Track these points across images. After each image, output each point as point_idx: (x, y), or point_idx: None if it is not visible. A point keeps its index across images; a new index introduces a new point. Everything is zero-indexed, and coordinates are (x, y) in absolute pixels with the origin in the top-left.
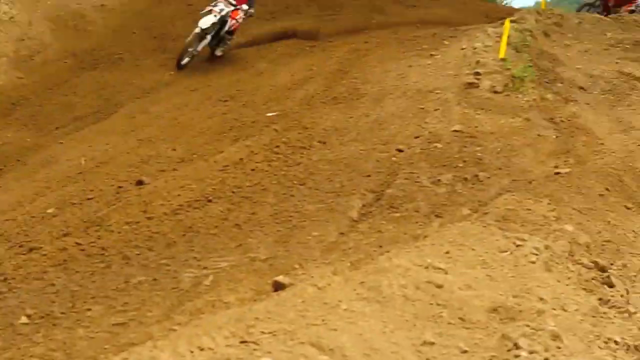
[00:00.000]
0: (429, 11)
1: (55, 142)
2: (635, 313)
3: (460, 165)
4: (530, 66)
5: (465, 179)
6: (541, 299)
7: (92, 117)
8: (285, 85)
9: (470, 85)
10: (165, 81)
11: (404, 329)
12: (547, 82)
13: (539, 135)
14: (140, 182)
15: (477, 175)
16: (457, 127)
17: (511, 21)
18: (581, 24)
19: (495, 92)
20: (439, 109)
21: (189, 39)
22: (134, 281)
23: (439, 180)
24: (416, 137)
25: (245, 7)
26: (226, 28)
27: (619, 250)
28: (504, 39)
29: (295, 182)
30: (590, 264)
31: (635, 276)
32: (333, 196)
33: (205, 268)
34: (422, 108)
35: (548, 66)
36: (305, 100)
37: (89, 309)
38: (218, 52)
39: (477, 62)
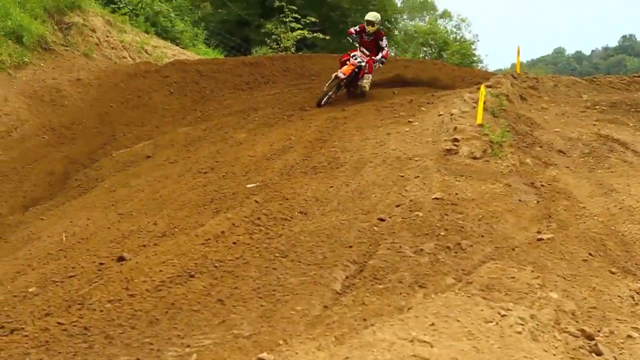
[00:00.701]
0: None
1: (37, 218)
2: None
3: (443, 233)
4: (508, 131)
5: (448, 247)
6: None
7: (72, 191)
8: (265, 155)
9: (449, 151)
10: (145, 153)
11: None
12: (525, 146)
13: (520, 200)
14: (121, 258)
15: (459, 244)
16: (437, 195)
17: (487, 86)
18: (557, 86)
19: (475, 158)
20: (419, 177)
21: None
22: None
23: (421, 249)
24: (397, 206)
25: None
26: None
27: (605, 316)
28: (481, 104)
29: (277, 254)
30: (577, 332)
31: (623, 343)
32: (316, 268)
33: (188, 346)
34: (402, 176)
35: (526, 130)
36: (285, 170)
37: None
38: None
39: (455, 128)
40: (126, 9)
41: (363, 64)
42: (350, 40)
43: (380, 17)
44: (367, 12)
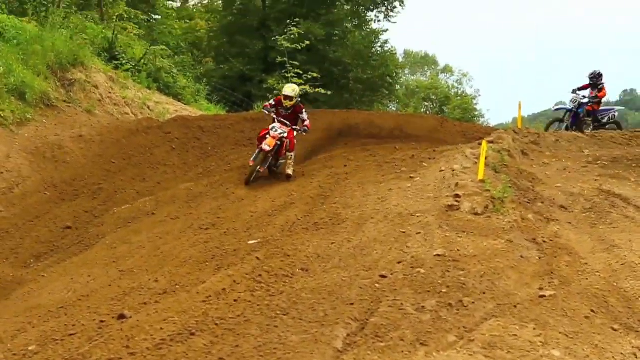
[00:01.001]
0: (406, 132)
1: (37, 275)
2: None
3: (444, 290)
4: (509, 186)
5: (450, 304)
6: None
7: (74, 248)
8: (266, 211)
9: (451, 207)
10: (146, 210)
11: None
12: (527, 202)
13: (522, 256)
14: (122, 316)
15: (461, 301)
16: (439, 251)
17: (488, 141)
18: (558, 141)
19: (476, 214)
20: (420, 233)
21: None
22: None
23: (423, 307)
24: (399, 263)
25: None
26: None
27: None
28: (482, 160)
29: (278, 312)
30: None
31: None
32: (317, 326)
33: None
34: (404, 232)
35: (528, 186)
36: (287, 227)
37: None
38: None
39: (457, 184)
40: (129, 65)
41: (285, 134)
42: (266, 113)
43: (298, 91)
44: (285, 85)
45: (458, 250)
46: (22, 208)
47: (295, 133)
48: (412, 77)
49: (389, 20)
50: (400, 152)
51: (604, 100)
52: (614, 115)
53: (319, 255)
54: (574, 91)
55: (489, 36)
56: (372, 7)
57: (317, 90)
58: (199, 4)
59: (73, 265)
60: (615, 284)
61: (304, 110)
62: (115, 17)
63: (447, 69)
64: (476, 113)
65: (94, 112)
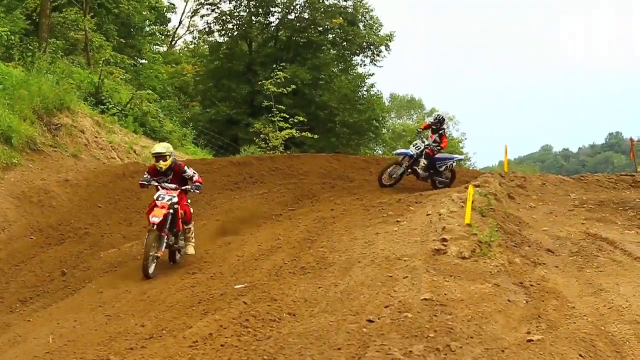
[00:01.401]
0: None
1: (23, 320)
2: None
3: (432, 335)
4: (496, 230)
5: (438, 349)
6: None
7: (60, 293)
8: (253, 255)
9: (438, 252)
10: (133, 254)
11: None
12: (514, 246)
13: (509, 300)
14: None
15: (449, 346)
16: (426, 296)
17: (475, 185)
18: (545, 185)
19: (464, 258)
20: (407, 277)
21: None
22: None
23: (411, 351)
24: (386, 307)
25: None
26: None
27: None
28: (469, 204)
29: (266, 357)
30: None
31: None
32: None
33: None
34: (391, 276)
35: (515, 229)
36: (274, 271)
37: None
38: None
39: (444, 228)
40: (115, 110)
41: (175, 199)
42: (146, 185)
43: (172, 148)
44: (155, 145)
45: (445, 294)
46: (8, 252)
47: (187, 196)
48: (399, 121)
49: (375, 65)
50: (387, 195)
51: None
52: (452, 165)
53: (306, 299)
54: (418, 132)
55: (474, 80)
56: (358, 52)
57: (303, 134)
58: (186, 49)
59: (59, 310)
60: (603, 328)
61: (186, 167)
62: (101, 62)
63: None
64: (462, 157)
65: (81, 157)
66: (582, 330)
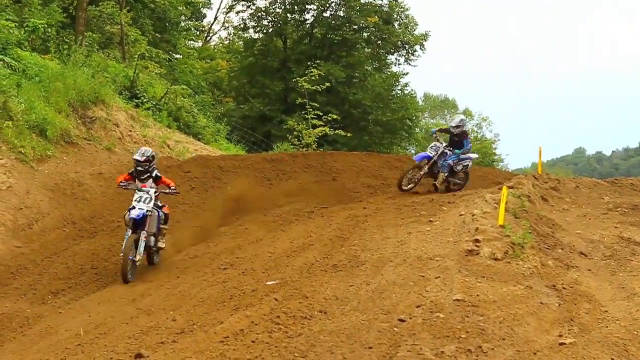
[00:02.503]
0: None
1: (55, 312)
2: None
3: (464, 336)
4: (529, 232)
5: (469, 350)
6: None
7: (92, 285)
8: (285, 252)
9: (471, 252)
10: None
11: None
12: (547, 248)
13: (541, 303)
14: (139, 356)
15: (480, 347)
16: (459, 296)
17: (509, 187)
18: (579, 188)
19: (496, 259)
20: (440, 277)
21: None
22: None
23: (442, 352)
24: (418, 307)
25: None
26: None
27: None
28: (502, 206)
29: (296, 354)
30: None
31: None
32: None
33: None
34: (423, 276)
35: (548, 232)
36: (306, 269)
37: None
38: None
39: (477, 229)
40: (149, 104)
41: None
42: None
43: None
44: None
45: (478, 295)
46: (41, 244)
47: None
48: (432, 121)
49: (410, 64)
50: (419, 195)
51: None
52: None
53: (338, 297)
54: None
55: (508, 81)
56: (392, 51)
57: (336, 132)
58: (220, 45)
59: (91, 302)
60: (635, 333)
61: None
62: (137, 56)
63: (466, 113)
64: (495, 157)
65: (114, 150)
66: (615, 334)
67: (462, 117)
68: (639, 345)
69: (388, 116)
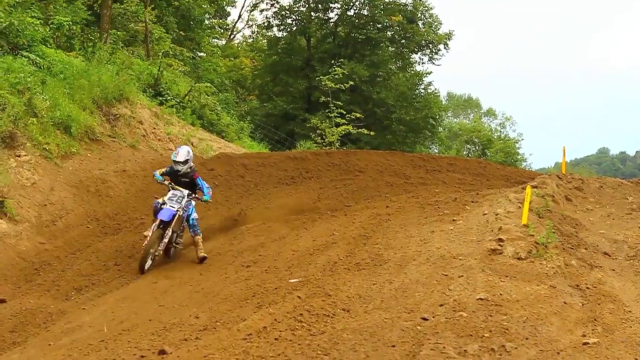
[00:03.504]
0: (449, 175)
1: (78, 308)
2: None
3: (487, 335)
4: (553, 232)
5: (492, 349)
6: None
7: (115, 282)
8: (308, 250)
9: (494, 251)
10: (187, 244)
11: None
12: (570, 248)
13: (565, 303)
14: (162, 352)
15: (504, 346)
16: (481, 295)
17: (532, 186)
18: (602, 188)
19: (519, 258)
20: (462, 276)
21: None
22: None
23: (465, 350)
24: (441, 305)
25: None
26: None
27: None
28: (526, 205)
29: (319, 352)
30: None
31: None
32: None
33: None
34: (446, 275)
35: (571, 231)
36: (328, 266)
37: None
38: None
39: (500, 228)
40: (173, 102)
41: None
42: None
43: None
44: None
45: (501, 294)
46: (65, 241)
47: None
48: (455, 120)
49: (433, 63)
50: (442, 194)
51: None
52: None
53: (361, 295)
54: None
55: (531, 81)
56: (416, 50)
57: (359, 130)
58: (244, 43)
59: (114, 298)
60: None
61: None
62: (160, 54)
63: (490, 112)
64: (518, 157)
65: (138, 147)
66: (639, 334)
67: (187, 147)
68: None
69: (411, 115)
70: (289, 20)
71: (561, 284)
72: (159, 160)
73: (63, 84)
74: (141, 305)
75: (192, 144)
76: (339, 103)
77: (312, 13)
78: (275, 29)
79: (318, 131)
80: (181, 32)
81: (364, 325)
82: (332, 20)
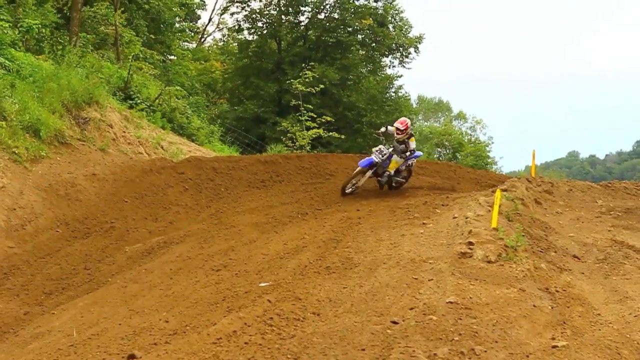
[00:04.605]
0: (420, 178)
1: (47, 313)
2: None
3: (456, 338)
4: (523, 235)
5: (462, 353)
6: None
7: (84, 286)
8: (278, 254)
9: (464, 255)
10: (158, 250)
11: None
12: (540, 251)
13: (534, 306)
14: (132, 356)
15: (473, 349)
16: (451, 298)
17: (502, 190)
18: (572, 191)
19: (489, 262)
20: (432, 280)
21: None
22: None
23: (435, 354)
24: (411, 309)
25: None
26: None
27: None
28: (496, 208)
29: (289, 356)
30: None
31: None
32: None
33: None
34: (416, 278)
35: (541, 235)
36: (299, 270)
37: None
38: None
39: (470, 231)
40: (143, 105)
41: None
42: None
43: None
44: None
45: (470, 297)
46: (34, 245)
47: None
48: (426, 123)
49: (404, 66)
50: (412, 197)
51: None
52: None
53: (331, 299)
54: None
55: (503, 84)
56: (386, 53)
57: (330, 134)
58: (215, 46)
59: (84, 303)
60: (628, 336)
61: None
62: (131, 57)
63: (460, 116)
64: (489, 160)
65: (108, 151)
66: (607, 337)
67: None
68: (631, 348)
69: (382, 118)
70: (259, 24)
71: (531, 287)
72: (129, 163)
73: (32, 87)
74: (111, 309)
75: (162, 148)
76: (310, 106)
77: (283, 16)
78: (245, 32)
79: (289, 135)
80: (151, 35)
81: (334, 329)
82: (302, 23)
